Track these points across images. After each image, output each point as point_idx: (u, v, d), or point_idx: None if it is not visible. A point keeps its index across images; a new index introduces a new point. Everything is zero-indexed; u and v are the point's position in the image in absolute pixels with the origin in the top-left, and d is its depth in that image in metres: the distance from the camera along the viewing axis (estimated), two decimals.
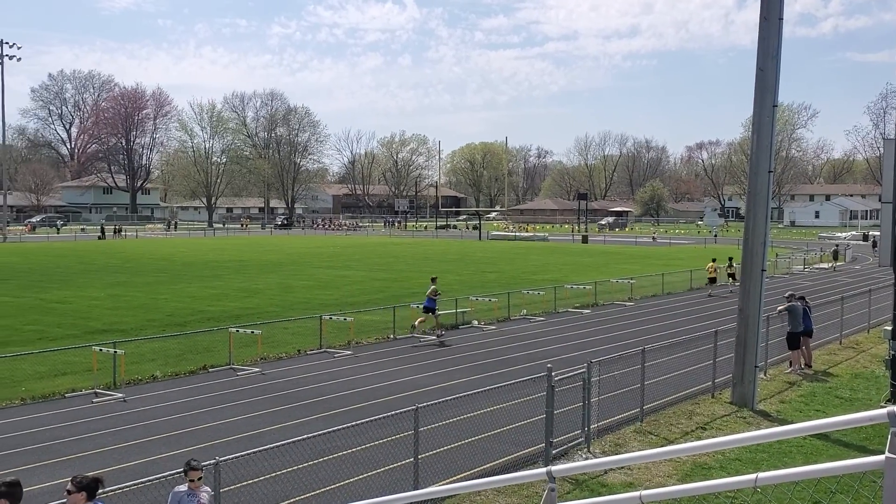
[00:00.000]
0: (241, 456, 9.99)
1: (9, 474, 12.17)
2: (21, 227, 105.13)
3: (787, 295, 22.05)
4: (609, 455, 14.03)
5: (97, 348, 19.24)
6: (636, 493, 4.12)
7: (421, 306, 25.88)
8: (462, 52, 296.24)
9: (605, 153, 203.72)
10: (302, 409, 16.75)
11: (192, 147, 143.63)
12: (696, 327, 27.12)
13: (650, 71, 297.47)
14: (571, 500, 11.01)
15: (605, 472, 12.61)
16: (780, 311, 21.46)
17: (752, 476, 3.69)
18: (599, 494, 11.64)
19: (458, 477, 12.45)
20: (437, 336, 25.05)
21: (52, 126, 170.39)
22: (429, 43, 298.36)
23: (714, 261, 40.35)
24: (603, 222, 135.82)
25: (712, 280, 39.16)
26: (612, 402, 16.02)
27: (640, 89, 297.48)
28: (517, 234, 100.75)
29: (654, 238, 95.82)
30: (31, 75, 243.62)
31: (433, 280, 26.82)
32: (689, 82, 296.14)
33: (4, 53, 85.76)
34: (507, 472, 12.49)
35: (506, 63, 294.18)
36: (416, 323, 25.13)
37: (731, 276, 38.29)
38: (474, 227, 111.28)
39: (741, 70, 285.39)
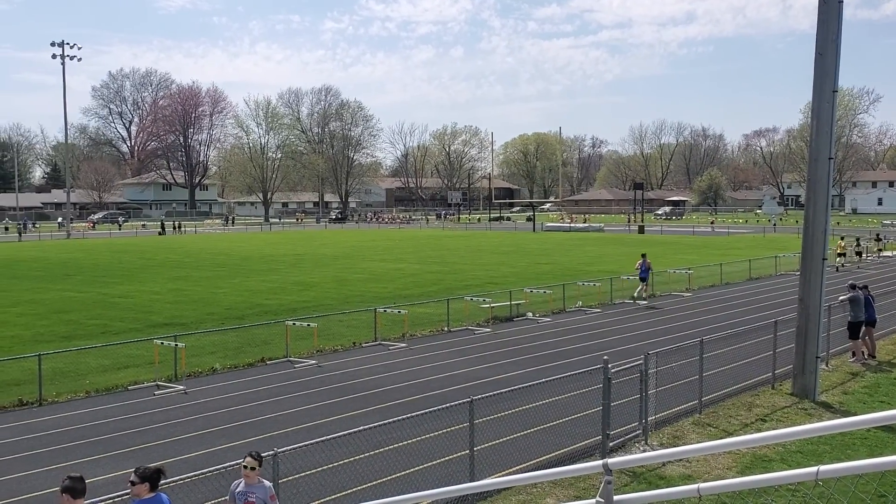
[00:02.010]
0: (299, 447, 10.10)
1: (74, 466, 12.52)
2: (84, 224, 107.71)
3: (849, 284, 21.55)
4: (667, 447, 13.87)
5: (158, 342, 19.65)
6: (694, 486, 4.06)
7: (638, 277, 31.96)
8: (515, 42, 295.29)
9: (661, 142, 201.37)
10: (358, 401, 16.89)
11: (248, 143, 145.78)
12: (756, 318, 26.66)
13: (706, 58, 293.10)
14: (629, 492, 10.91)
15: (663, 465, 12.48)
16: (841, 301, 20.99)
17: (814, 469, 3.61)
18: (657, 487, 11.52)
19: (514, 469, 12.44)
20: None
21: (113, 124, 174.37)
22: (481, 34, 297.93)
23: (842, 239, 46.43)
24: (660, 212, 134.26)
25: (841, 254, 44.56)
26: (669, 393, 15.85)
27: (697, 77, 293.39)
28: (572, 225, 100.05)
29: (712, 227, 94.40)
30: (92, 75, 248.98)
31: (643, 255, 32.47)
32: (747, 69, 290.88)
33: (66, 54, 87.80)
34: (563, 465, 12.44)
35: (559, 52, 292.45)
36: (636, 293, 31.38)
37: (859, 254, 44.80)
38: (528, 219, 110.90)
39: (800, 55, 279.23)
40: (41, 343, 22.79)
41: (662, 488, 4.88)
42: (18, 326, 26.07)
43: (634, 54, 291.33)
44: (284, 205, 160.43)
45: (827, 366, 19.33)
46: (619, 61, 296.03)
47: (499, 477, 11.54)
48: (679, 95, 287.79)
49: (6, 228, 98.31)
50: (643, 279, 31.72)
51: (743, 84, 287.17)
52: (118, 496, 7.92)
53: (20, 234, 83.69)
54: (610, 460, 4.31)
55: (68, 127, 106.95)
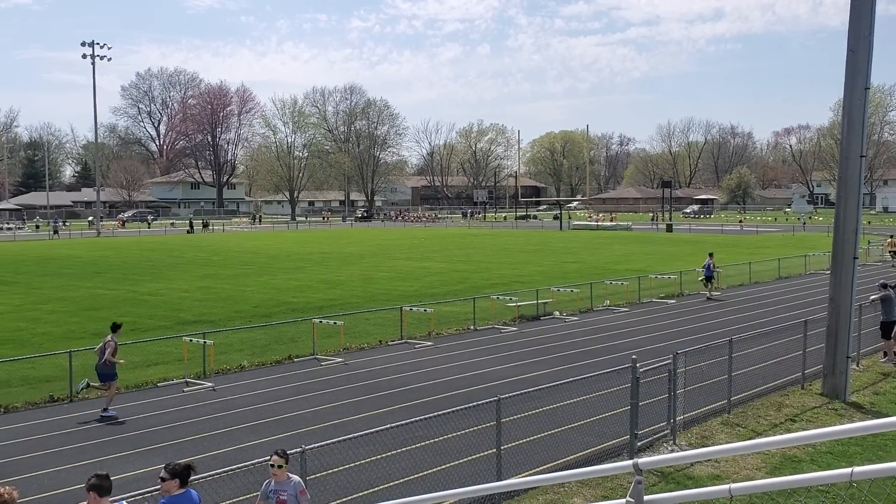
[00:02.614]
0: (327, 444, 10.14)
1: (105, 461, 12.64)
2: (114, 223, 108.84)
3: (880, 283, 21.27)
4: (696, 447, 13.78)
5: (187, 339, 19.81)
6: (725, 486, 4.02)
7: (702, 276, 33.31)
8: (542, 39, 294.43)
9: (689, 140, 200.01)
10: (384, 399, 16.93)
11: (275, 142, 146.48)
12: (786, 317, 26.41)
13: (735, 55, 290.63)
14: (657, 492, 10.85)
15: (692, 465, 12.40)
16: (872, 300, 20.73)
17: (848, 470, 3.57)
18: (686, 487, 11.45)
19: (541, 468, 12.41)
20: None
21: (142, 124, 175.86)
22: (508, 31, 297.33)
23: (892, 237, 48.28)
24: (688, 210, 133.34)
25: (893, 254, 46.22)
26: (698, 393, 15.75)
27: (725, 74, 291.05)
28: (599, 223, 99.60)
29: (740, 226, 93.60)
30: (121, 74, 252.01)
31: (710, 255, 33.60)
32: (776, 66, 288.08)
33: (95, 54, 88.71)
34: (591, 465, 12.40)
35: (586, 50, 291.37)
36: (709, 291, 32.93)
37: (893, 253, 45.85)
38: (555, 217, 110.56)
39: (831, 52, 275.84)
40: (72, 340, 23.05)
41: (691, 488, 4.85)
42: (50, 323, 26.40)
43: (662, 52, 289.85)
44: (311, 203, 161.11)
45: (858, 366, 19.11)
46: (646, 59, 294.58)
47: (526, 476, 11.52)
48: (707, 93, 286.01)
49: (37, 227, 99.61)
50: (709, 277, 32.86)
51: (772, 81, 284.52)
52: (148, 492, 8.00)
53: (56, 231, 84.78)
54: (640, 460, 4.29)
55: (98, 126, 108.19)
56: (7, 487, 6.66)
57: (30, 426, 15.25)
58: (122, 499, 7.51)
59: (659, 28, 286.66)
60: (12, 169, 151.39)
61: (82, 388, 16.59)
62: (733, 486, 4.01)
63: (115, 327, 16.68)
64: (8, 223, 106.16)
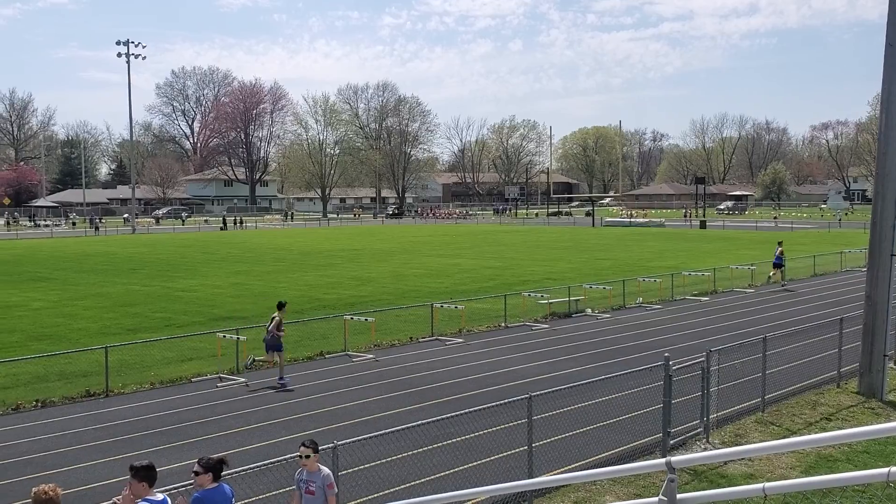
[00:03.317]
0: (358, 440, 10.18)
1: (139, 456, 12.79)
2: (149, 219, 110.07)
3: None
4: (729, 446, 13.67)
5: (221, 335, 20.00)
6: (759, 486, 3.99)
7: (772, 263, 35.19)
8: (574, 35, 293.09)
9: (723, 135, 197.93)
10: (415, 396, 16.96)
11: (307, 139, 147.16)
12: (821, 314, 26.08)
13: (770, 50, 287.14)
14: (689, 490, 10.77)
15: (725, 463, 12.29)
16: None
17: (885, 470, 3.52)
18: (718, 486, 11.37)
19: (573, 466, 12.37)
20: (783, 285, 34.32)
21: (176, 122, 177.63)
22: (540, 27, 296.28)
23: None
24: (722, 206, 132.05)
25: None
26: (731, 391, 15.61)
27: (760, 69, 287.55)
28: (632, 219, 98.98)
29: (775, 222, 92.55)
30: (156, 73, 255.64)
31: (780, 243, 35.40)
32: (812, 60, 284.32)
33: (130, 52, 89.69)
34: (623, 463, 12.33)
35: (619, 45, 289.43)
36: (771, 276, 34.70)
37: None
38: (587, 214, 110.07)
39: (868, 46, 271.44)
40: (108, 335, 23.37)
41: (724, 487, 4.80)
42: (86, 319, 26.77)
43: (696, 47, 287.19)
44: (342, 200, 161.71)
45: (895, 364, 18.81)
46: (679, 54, 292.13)
47: (558, 474, 11.49)
48: (741, 88, 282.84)
49: (74, 223, 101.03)
50: (777, 265, 34.70)
51: (808, 76, 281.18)
52: (182, 486, 8.08)
53: (97, 228, 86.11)
54: (674, 458, 4.26)
55: (133, 124, 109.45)
56: (50, 485, 6.77)
57: (66, 420, 15.48)
58: (162, 491, 7.60)
59: (692, 23, 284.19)
60: (49, 167, 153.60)
61: (250, 364, 18.93)
62: (767, 485, 3.97)
63: (281, 305, 18.89)
64: (45, 220, 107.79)
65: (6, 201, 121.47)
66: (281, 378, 17.95)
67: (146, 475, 7.26)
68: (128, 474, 7.25)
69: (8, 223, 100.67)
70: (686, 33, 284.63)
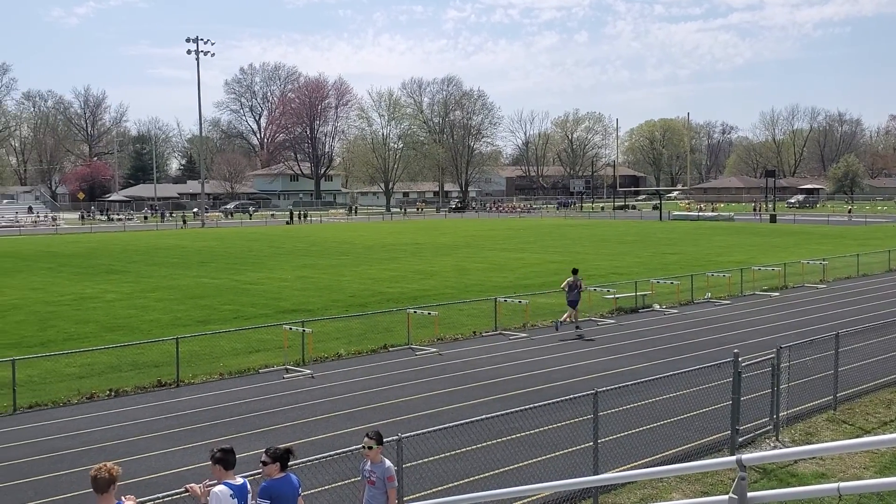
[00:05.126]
0: (422, 433, 10.21)
1: (209, 445, 13.02)
2: (217, 214, 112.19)
3: None
4: (799, 444, 13.37)
5: (287, 327, 20.28)
6: (833, 485, 3.88)
7: None
8: (641, 26, 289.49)
9: (794, 128, 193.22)
10: (478, 390, 16.95)
11: (371, 134, 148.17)
12: None
13: (843, 39, 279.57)
14: (759, 489, 10.56)
15: (795, 462, 12.02)
16: None
17: None
18: (789, 484, 11.12)
19: (639, 463, 12.23)
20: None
21: (244, 118, 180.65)
22: (606, 18, 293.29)
23: None
24: (792, 200, 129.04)
25: None
26: (802, 389, 15.25)
27: (833, 59, 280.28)
28: (700, 213, 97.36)
29: (849, 216, 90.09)
30: (224, 69, 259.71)
31: None
32: (888, 50, 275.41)
33: (199, 49, 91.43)
34: (690, 460, 12.14)
35: (687, 36, 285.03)
36: None
37: None
38: (654, 207, 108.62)
39: None
40: (178, 327, 23.89)
41: (794, 486, 4.69)
42: (157, 311, 27.41)
43: (766, 37, 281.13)
44: (405, 194, 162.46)
45: None
46: (749, 44, 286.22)
47: (624, 471, 11.37)
48: (813, 79, 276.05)
49: (146, 217, 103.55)
50: None
51: (883, 66, 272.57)
52: (250, 475, 8.21)
53: (185, 221, 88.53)
54: (744, 456, 4.17)
55: (202, 120, 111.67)
56: (109, 463, 6.95)
57: (138, 409, 15.87)
58: (243, 475, 7.76)
59: (763, 13, 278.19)
60: (122, 162, 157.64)
61: (560, 323, 22.84)
62: (842, 484, 3.86)
63: (575, 271, 24.17)
64: (118, 214, 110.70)
65: (81, 196, 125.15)
66: (578, 327, 23.18)
67: (220, 458, 7.43)
68: (198, 463, 7.41)
69: (82, 217, 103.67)
70: (756, 23, 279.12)
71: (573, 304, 23.26)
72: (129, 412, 15.68)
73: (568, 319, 23.24)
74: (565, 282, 23.66)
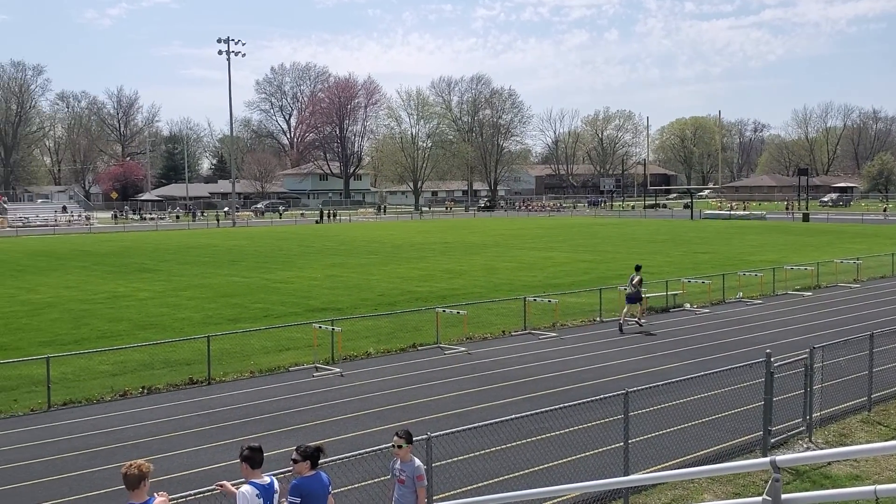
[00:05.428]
0: (452, 432, 10.20)
1: (240, 442, 13.11)
2: (248, 213, 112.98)
3: None
4: (833, 446, 13.19)
5: (317, 325, 20.37)
6: (870, 488, 3.82)
7: None
8: (672, 23, 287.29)
9: (827, 125, 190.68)
10: (508, 389, 16.92)
11: (400, 133, 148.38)
12: None
13: (879, 35, 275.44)
14: (792, 491, 10.44)
15: (829, 464, 11.85)
16: None
17: None
18: (822, 486, 10.98)
19: (669, 464, 12.13)
20: None
21: (274, 117, 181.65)
22: (636, 16, 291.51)
23: None
24: (825, 199, 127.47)
25: None
26: (836, 389, 15.06)
27: (867, 56, 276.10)
28: (732, 212, 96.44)
29: (884, 215, 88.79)
30: (254, 69, 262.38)
31: None
32: None
33: (231, 50, 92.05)
34: (721, 461, 12.03)
35: (718, 33, 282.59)
36: None
37: None
38: (685, 206, 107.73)
39: None
40: (210, 325, 24.08)
41: (828, 489, 4.62)
42: (189, 309, 27.65)
43: (799, 34, 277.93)
44: (434, 193, 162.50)
45: None
46: (782, 41, 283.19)
47: (654, 472, 11.29)
48: (847, 76, 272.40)
49: (177, 217, 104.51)
50: None
51: None
52: (280, 472, 8.25)
53: (218, 220, 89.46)
54: (778, 458, 4.12)
55: (233, 120, 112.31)
56: (140, 460, 7.02)
57: (171, 406, 16.02)
58: (271, 474, 7.80)
59: (795, 9, 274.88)
60: (154, 162, 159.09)
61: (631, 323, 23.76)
62: (879, 487, 3.80)
63: (638, 268, 24.91)
64: (150, 213, 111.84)
65: (114, 195, 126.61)
66: (639, 323, 23.56)
67: (247, 456, 7.47)
68: (229, 460, 7.46)
69: (115, 216, 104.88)
70: (788, 20, 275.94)
71: (633, 300, 23.55)
72: (162, 409, 15.83)
73: (624, 318, 23.51)
74: (630, 278, 24.06)
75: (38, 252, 52.37)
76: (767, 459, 4.09)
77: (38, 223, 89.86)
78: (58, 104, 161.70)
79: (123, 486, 6.92)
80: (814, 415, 13.55)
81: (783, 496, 4.01)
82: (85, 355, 19.49)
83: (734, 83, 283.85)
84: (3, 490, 11.75)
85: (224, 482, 7.65)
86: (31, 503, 11.30)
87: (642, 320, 23.74)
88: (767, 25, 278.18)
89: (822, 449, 12.65)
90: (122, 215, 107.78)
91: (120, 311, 27.23)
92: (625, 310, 23.58)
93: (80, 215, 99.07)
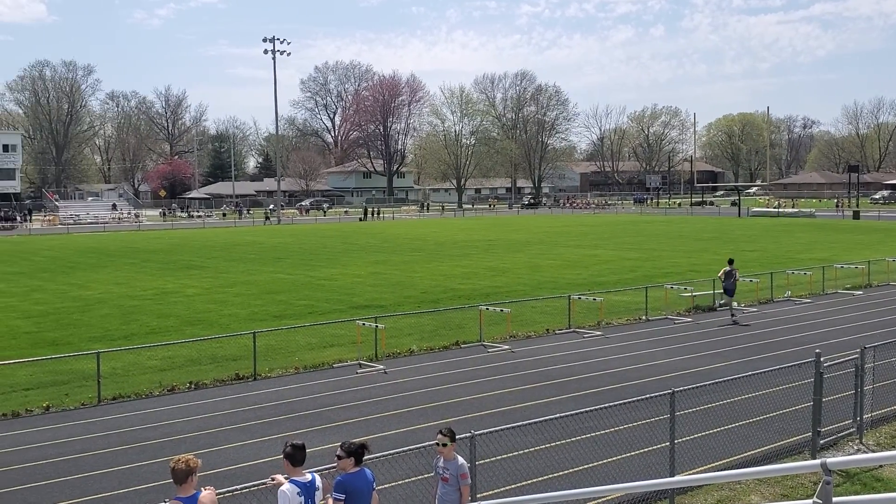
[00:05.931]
0: (495, 431, 10.18)
1: (284, 438, 13.23)
2: (293, 211, 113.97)
3: None
4: (885, 448, 12.95)
5: (360, 322, 20.46)
6: None
7: None
8: (719, 18, 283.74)
9: (879, 121, 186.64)
10: (552, 388, 16.84)
11: (443, 130, 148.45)
12: None
13: None
14: (842, 494, 10.24)
15: (881, 466, 11.61)
16: None
17: None
18: (874, 489, 10.77)
19: (716, 465, 11.98)
20: None
21: (318, 116, 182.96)
22: (683, 11, 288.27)
23: None
24: (877, 196, 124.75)
25: None
26: (887, 390, 14.74)
27: None
28: (780, 209, 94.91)
29: None
30: (299, 68, 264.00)
31: None
32: None
33: (276, 49, 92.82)
34: (769, 462, 11.86)
35: (767, 28, 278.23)
36: None
37: None
38: (733, 203, 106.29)
39: None
40: (255, 322, 24.33)
41: (880, 492, 4.52)
42: (235, 305, 27.96)
43: (850, 28, 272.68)
44: (477, 191, 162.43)
45: None
46: (832, 36, 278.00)
47: (701, 473, 11.15)
48: None
49: (224, 214, 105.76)
50: None
51: None
52: (325, 468, 8.30)
53: (268, 217, 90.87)
54: (829, 460, 4.03)
55: (278, 119, 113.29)
56: (188, 455, 7.11)
57: (217, 402, 16.21)
58: (313, 471, 7.84)
59: (846, 4, 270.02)
60: (201, 160, 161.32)
61: (720, 304, 25.17)
62: None
63: (731, 261, 25.49)
64: (198, 211, 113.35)
65: (162, 193, 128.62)
66: (733, 314, 24.39)
67: (288, 454, 7.52)
68: (274, 455, 7.52)
69: (163, 214, 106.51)
70: (839, 14, 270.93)
71: (729, 292, 24.39)
72: (209, 405, 16.03)
73: (731, 311, 24.58)
74: (721, 271, 24.95)
75: (89, 249, 53.38)
76: (818, 462, 4.01)
77: (89, 221, 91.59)
78: (108, 103, 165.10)
79: (171, 481, 7.02)
80: (864, 416, 13.27)
81: (835, 499, 3.93)
82: (134, 351, 19.83)
83: (783, 79, 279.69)
84: (54, 483, 12.00)
85: (278, 475, 7.70)
86: (80, 496, 11.52)
87: (730, 311, 24.72)
88: (817, 20, 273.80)
89: (872, 451, 12.40)
90: (171, 213, 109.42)
91: (168, 308, 27.63)
92: (732, 303, 24.67)
93: (129, 213, 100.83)
